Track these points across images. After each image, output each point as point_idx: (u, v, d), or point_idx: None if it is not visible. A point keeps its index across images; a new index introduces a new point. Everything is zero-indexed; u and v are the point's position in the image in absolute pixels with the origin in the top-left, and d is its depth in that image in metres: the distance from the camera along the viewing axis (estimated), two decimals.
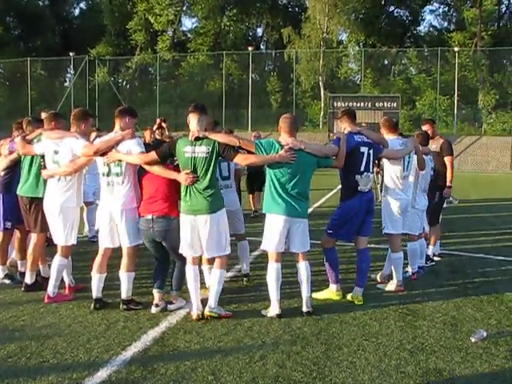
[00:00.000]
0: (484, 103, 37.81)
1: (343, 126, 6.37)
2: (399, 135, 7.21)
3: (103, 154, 5.81)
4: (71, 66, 41.58)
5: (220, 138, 5.54)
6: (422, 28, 58.00)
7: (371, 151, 6.23)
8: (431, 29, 55.56)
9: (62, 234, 6.12)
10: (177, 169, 5.66)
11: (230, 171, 6.74)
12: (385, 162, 6.82)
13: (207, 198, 5.45)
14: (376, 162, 8.07)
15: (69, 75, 48.26)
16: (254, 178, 12.30)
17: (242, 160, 5.66)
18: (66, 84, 48.35)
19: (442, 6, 53.63)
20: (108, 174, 5.84)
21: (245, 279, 7.03)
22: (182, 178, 5.50)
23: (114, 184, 5.82)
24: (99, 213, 6.13)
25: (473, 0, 44.66)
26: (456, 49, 36.71)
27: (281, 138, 5.76)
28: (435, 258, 8.27)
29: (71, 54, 38.93)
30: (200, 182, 5.45)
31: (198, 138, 5.46)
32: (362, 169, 6.16)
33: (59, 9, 55.43)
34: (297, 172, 5.64)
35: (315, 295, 6.27)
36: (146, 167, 5.76)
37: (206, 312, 5.59)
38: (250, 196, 12.90)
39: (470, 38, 44.73)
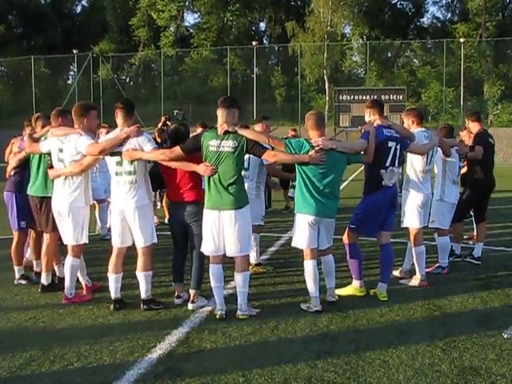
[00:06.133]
0: (490, 94, 37.61)
1: (372, 118, 6.17)
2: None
3: (113, 153, 5.63)
4: (74, 64, 41.47)
5: (249, 134, 5.40)
6: (426, 20, 57.95)
7: (398, 146, 6.08)
8: (435, 20, 55.47)
9: (72, 234, 5.97)
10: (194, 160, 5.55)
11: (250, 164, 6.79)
12: (408, 155, 6.66)
13: (232, 193, 5.31)
14: None
15: (72, 73, 48.30)
16: None
17: (270, 157, 5.54)
18: (70, 81, 48.39)
19: None
20: (120, 173, 5.65)
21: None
22: (202, 169, 5.39)
23: (126, 183, 5.63)
24: (111, 212, 5.99)
25: None
26: (461, 40, 36.43)
27: (310, 136, 5.64)
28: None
29: (74, 51, 38.76)
30: (224, 177, 5.32)
31: (226, 132, 5.33)
32: (388, 163, 6.02)
33: (61, 6, 55.33)
34: (328, 171, 5.53)
35: (338, 291, 6.13)
36: (164, 162, 5.62)
37: (239, 316, 5.47)
38: None
39: (474, 29, 44.61)
